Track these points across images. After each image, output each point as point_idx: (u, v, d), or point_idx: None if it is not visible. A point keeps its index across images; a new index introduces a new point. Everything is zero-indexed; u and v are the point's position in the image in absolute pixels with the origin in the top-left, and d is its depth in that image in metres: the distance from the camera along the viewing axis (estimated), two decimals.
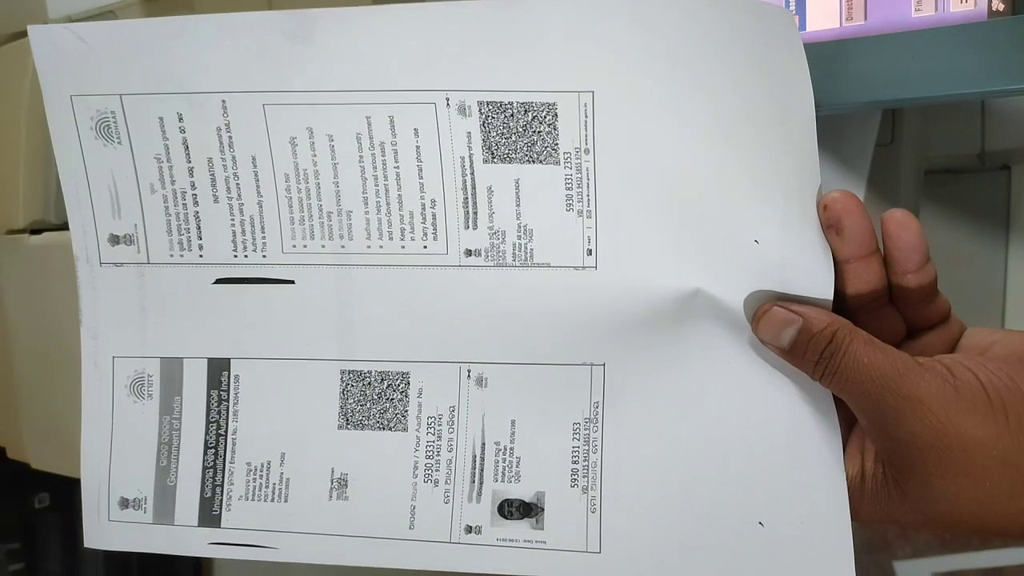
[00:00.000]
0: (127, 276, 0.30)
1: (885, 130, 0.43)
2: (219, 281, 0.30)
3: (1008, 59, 0.27)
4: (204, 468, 0.30)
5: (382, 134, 0.28)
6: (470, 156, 0.27)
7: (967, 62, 0.28)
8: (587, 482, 0.28)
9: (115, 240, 0.30)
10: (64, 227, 0.50)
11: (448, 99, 0.27)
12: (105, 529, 0.31)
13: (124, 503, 0.31)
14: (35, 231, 0.51)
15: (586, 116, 0.26)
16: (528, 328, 0.28)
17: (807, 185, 0.26)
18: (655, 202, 0.26)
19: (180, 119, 0.28)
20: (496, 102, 0.27)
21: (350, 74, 0.27)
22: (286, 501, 0.30)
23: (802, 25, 0.30)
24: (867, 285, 0.26)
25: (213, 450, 0.30)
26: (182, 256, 0.30)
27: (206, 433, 0.30)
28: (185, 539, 0.31)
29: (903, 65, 0.28)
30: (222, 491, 0.30)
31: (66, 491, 0.67)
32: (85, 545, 0.32)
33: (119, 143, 0.29)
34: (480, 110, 0.27)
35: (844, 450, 0.26)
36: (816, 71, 0.29)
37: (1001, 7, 0.28)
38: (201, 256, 0.29)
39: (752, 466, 0.26)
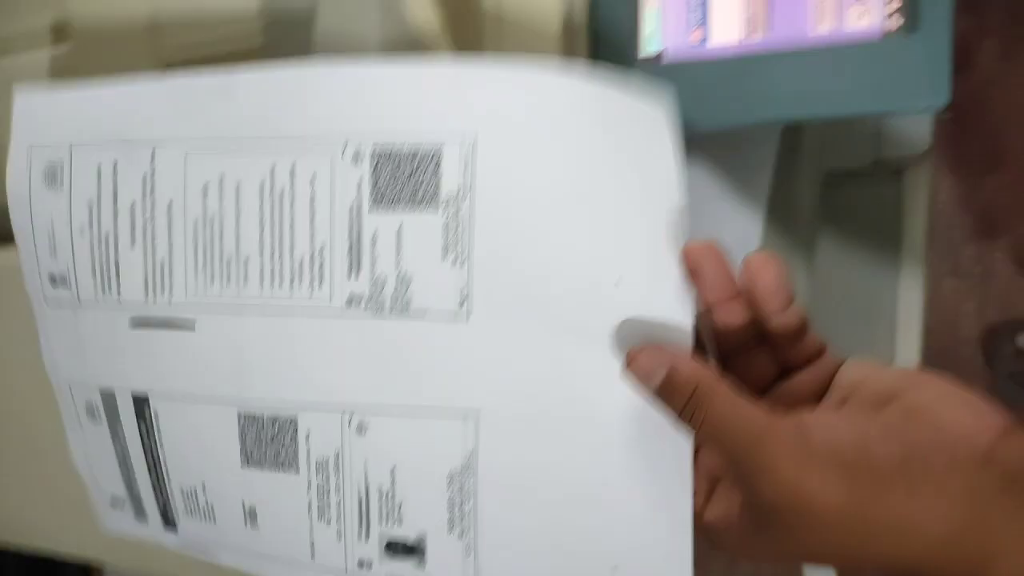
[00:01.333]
0: (65, 314, 0.32)
1: (786, 139, 0.44)
2: (134, 322, 0.31)
3: (901, 80, 0.28)
4: (152, 485, 0.33)
5: (283, 182, 0.28)
6: (358, 204, 0.28)
7: (863, 82, 0.28)
8: (463, 527, 0.29)
9: (53, 280, 0.32)
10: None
11: (345, 146, 0.28)
12: (109, 519, 0.36)
13: (114, 502, 0.35)
14: None
15: (468, 159, 0.27)
16: (404, 378, 0.28)
17: (668, 230, 0.27)
18: (527, 251, 0.27)
19: (115, 167, 0.30)
20: (387, 148, 0.27)
21: (261, 123, 0.28)
22: (215, 522, 0.32)
23: (705, 38, 0.30)
24: (732, 327, 0.26)
25: (155, 472, 0.33)
26: (104, 298, 0.31)
27: (145, 457, 0.33)
28: (162, 536, 0.34)
29: (801, 84, 0.29)
30: (170, 505, 0.33)
31: None
32: (102, 530, 0.36)
33: (61, 189, 0.31)
34: (372, 157, 0.27)
35: (715, 490, 0.27)
36: (718, 89, 0.30)
37: (895, 26, 0.28)
38: (119, 299, 0.31)
39: (608, 514, 0.27)
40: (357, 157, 0.27)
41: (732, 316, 0.26)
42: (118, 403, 0.32)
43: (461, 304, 0.27)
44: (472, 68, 0.27)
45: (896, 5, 0.28)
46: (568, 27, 0.30)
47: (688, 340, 0.26)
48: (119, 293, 0.31)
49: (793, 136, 0.44)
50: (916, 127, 0.48)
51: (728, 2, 0.30)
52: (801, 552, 0.24)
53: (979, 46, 1.07)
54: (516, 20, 0.29)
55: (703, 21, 0.30)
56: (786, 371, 0.27)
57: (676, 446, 0.26)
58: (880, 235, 0.54)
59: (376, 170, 0.27)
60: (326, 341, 0.28)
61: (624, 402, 0.27)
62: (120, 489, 0.34)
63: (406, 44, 0.28)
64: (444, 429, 0.28)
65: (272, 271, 0.29)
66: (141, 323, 0.31)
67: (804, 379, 0.27)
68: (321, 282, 0.28)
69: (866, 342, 0.55)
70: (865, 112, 0.28)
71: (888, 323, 0.55)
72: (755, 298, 0.26)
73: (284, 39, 0.29)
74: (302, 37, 0.28)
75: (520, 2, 0.29)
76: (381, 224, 0.28)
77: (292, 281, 0.29)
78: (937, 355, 1.07)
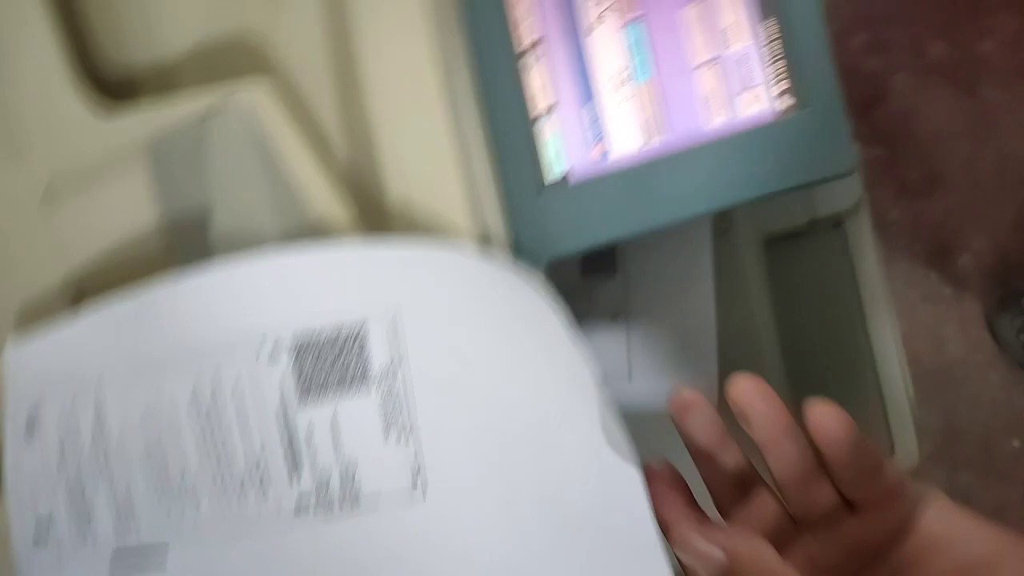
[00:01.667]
0: (48, 560, 0.31)
1: (720, 218, 0.44)
2: (112, 567, 0.29)
3: (804, 154, 0.28)
4: None
5: (209, 392, 0.27)
6: (284, 403, 0.27)
7: (767, 163, 0.28)
8: None
9: (37, 537, 0.31)
10: None
11: (262, 342, 0.27)
12: None
13: None
14: None
15: (393, 332, 0.26)
16: (371, 573, 0.26)
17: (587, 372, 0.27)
18: (468, 412, 0.26)
19: (72, 407, 0.30)
20: (306, 337, 0.26)
21: (180, 337, 0.28)
22: None
23: (606, 152, 0.30)
24: (790, 463, 0.25)
25: None
26: (82, 538, 0.30)
27: None
28: None
29: (708, 177, 0.29)
30: None
31: None
32: None
33: (37, 437, 0.30)
34: (291, 351, 0.27)
35: None
36: (629, 198, 0.29)
37: (787, 106, 0.29)
38: (95, 537, 0.30)
39: None
40: (275, 353, 0.27)
41: (792, 453, 0.25)
42: None
43: (414, 482, 0.26)
44: (381, 249, 0.27)
45: (783, 86, 0.29)
46: (471, 186, 0.30)
47: (636, 473, 0.26)
48: (95, 534, 0.30)
49: (727, 214, 0.44)
50: (843, 185, 0.48)
51: (621, 113, 0.30)
52: None
53: (891, 81, 1.11)
54: (424, 214, 0.29)
55: (601, 136, 0.30)
56: (855, 507, 0.25)
57: None
58: (836, 284, 0.54)
59: (298, 362, 0.26)
60: (285, 556, 0.27)
61: (593, 554, 0.25)
62: None
63: (307, 234, 0.27)
64: None
65: (219, 488, 0.27)
66: (119, 566, 0.29)
67: (876, 520, 0.25)
68: (265, 491, 0.27)
69: (850, 389, 0.53)
70: (775, 191, 0.28)
71: (869, 364, 0.54)
72: (817, 442, 0.24)
73: (187, 242, 0.28)
74: (204, 237, 0.28)
75: (425, 192, 0.29)
76: (314, 417, 0.26)
77: (238, 495, 0.27)
78: (931, 381, 1.06)
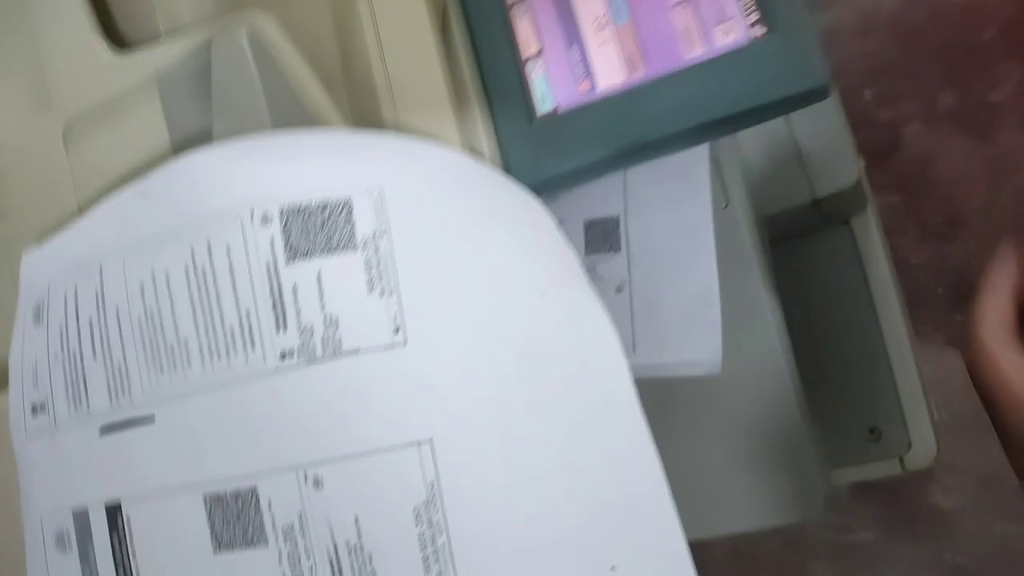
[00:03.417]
0: (43, 443, 0.33)
1: (719, 197, 0.45)
2: (102, 430, 0.31)
3: (776, 72, 0.30)
4: None
5: (203, 261, 0.29)
6: (274, 261, 0.28)
7: (742, 82, 0.30)
8: (440, 566, 0.26)
9: (34, 410, 0.33)
10: None
11: (253, 211, 0.28)
12: None
13: None
14: None
15: (379, 207, 0.28)
16: (350, 419, 0.27)
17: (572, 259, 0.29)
18: (452, 276, 0.28)
19: (76, 291, 0.32)
20: (294, 206, 0.28)
21: (176, 212, 0.30)
22: None
23: (593, 86, 0.32)
24: None
25: None
26: (76, 413, 0.32)
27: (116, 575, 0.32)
28: None
29: (689, 95, 0.30)
30: None
31: None
32: None
33: (42, 324, 0.33)
34: (280, 216, 0.28)
35: None
36: (615, 119, 0.31)
37: (759, 33, 0.31)
38: (88, 410, 0.31)
39: (588, 515, 0.26)
40: (266, 219, 0.28)
41: None
42: (91, 520, 0.31)
43: (396, 331, 0.27)
44: (371, 135, 0.29)
45: (755, 16, 0.31)
46: (463, 117, 0.32)
47: (616, 346, 0.26)
48: (88, 405, 0.31)
49: (724, 192, 0.45)
50: (839, 163, 0.50)
51: (605, 52, 0.32)
52: None
53: (904, 131, 1.13)
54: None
55: (587, 73, 0.32)
56: None
57: (638, 439, 0.25)
58: (846, 281, 0.54)
59: (286, 226, 0.28)
60: (268, 402, 0.28)
61: (574, 405, 0.26)
62: None
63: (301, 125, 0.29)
64: (399, 463, 0.26)
65: (209, 347, 0.29)
66: (108, 429, 0.30)
67: None
68: (253, 345, 0.28)
69: (866, 385, 0.53)
70: (754, 105, 0.30)
71: (884, 361, 0.54)
72: None
73: None
74: None
75: (418, 119, 0.31)
76: (299, 274, 0.28)
77: (227, 351, 0.28)
78: (963, 424, 1.03)
